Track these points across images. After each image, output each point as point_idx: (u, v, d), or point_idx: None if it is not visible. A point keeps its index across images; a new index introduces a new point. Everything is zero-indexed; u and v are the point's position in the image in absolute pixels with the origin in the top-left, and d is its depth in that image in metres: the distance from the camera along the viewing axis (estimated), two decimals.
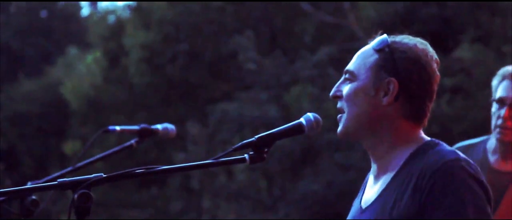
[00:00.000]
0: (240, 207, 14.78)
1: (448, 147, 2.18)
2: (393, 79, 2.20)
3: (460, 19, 14.67)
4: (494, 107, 3.65)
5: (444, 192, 2.05)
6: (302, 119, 2.23)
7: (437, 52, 2.30)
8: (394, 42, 2.24)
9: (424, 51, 2.23)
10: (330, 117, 12.29)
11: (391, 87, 2.20)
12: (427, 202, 2.06)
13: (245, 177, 14.88)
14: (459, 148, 3.63)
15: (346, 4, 16.20)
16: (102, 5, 25.30)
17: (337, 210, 13.63)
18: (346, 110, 2.24)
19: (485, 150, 3.71)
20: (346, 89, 2.24)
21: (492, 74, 3.74)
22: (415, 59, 2.21)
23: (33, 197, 2.87)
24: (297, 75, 15.21)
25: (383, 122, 2.21)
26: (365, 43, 2.32)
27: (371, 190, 2.26)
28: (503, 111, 3.58)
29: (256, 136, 2.20)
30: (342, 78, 2.28)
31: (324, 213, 13.98)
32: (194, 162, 2.24)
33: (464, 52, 13.49)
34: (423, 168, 2.11)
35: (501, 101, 3.59)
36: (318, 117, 2.24)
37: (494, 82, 3.68)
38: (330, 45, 15.62)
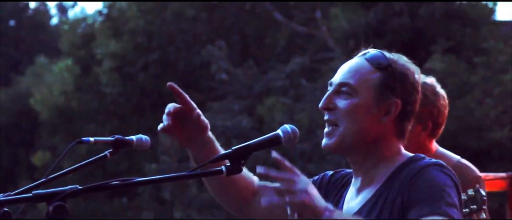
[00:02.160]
0: (212, 217, 14.72)
1: (431, 159, 2.23)
2: (397, 100, 2.24)
3: (432, 30, 14.79)
4: None
5: (421, 189, 2.12)
6: (279, 131, 2.22)
7: None
8: (393, 62, 2.27)
9: (415, 73, 2.29)
10: (303, 127, 12.31)
11: (393, 108, 2.24)
12: (407, 202, 2.13)
13: None
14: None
15: (318, 15, 16.26)
16: (71, 14, 25.11)
17: None
18: (342, 124, 2.23)
19: None
20: (344, 103, 2.23)
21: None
22: (412, 81, 2.28)
23: (5, 209, 2.82)
24: (270, 86, 15.21)
25: (378, 139, 2.24)
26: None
27: (353, 202, 2.28)
28: None
29: (233, 148, 2.18)
30: (333, 90, 2.26)
31: None
32: (165, 172, 2.21)
33: (435, 62, 13.59)
34: (405, 176, 2.18)
35: None
36: (295, 128, 2.23)
37: None
38: (302, 56, 15.65)
